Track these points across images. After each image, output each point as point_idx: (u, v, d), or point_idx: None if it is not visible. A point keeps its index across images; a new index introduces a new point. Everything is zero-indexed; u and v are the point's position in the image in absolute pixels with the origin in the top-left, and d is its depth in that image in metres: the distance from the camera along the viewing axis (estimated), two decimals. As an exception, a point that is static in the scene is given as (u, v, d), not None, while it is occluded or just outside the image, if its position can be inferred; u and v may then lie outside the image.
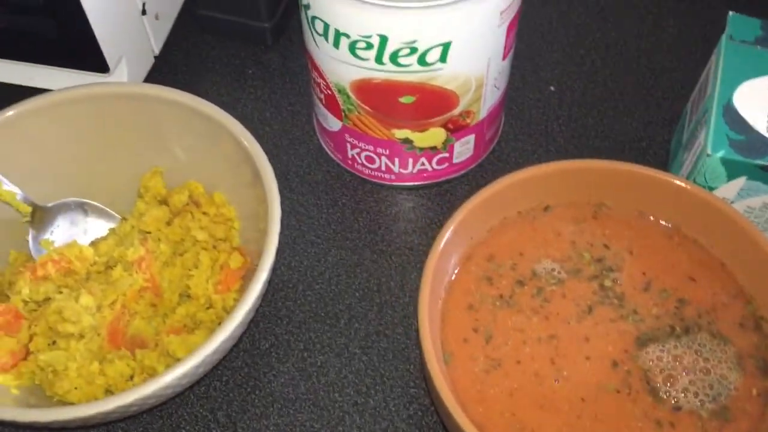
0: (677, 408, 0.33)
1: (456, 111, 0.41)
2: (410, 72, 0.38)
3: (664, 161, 0.46)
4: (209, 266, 0.38)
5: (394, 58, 0.37)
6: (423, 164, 0.44)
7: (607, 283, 0.36)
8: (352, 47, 0.37)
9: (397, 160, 0.44)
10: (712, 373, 0.33)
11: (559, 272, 0.36)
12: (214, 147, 0.39)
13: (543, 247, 0.37)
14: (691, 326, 0.35)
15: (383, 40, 0.36)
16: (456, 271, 0.37)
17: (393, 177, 0.46)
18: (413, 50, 0.36)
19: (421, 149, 0.43)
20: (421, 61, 0.37)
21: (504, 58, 0.41)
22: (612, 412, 0.33)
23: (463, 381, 0.34)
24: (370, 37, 0.36)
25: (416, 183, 0.46)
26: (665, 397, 0.33)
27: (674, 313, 0.35)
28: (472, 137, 0.44)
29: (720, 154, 0.35)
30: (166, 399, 0.35)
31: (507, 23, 0.38)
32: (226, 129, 0.38)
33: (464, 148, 0.44)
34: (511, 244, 0.37)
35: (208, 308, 0.38)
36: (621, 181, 0.37)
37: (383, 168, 0.45)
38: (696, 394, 0.33)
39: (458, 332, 0.35)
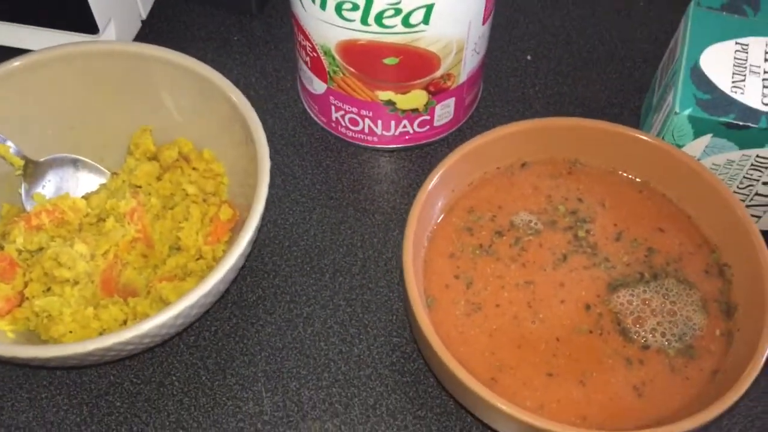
0: (646, 347, 0.35)
1: (437, 73, 0.43)
2: (394, 33, 0.39)
3: (636, 125, 0.48)
4: (199, 219, 0.40)
5: (379, 19, 0.38)
6: (405, 127, 0.46)
7: (581, 233, 0.38)
8: (339, 8, 0.38)
9: (380, 122, 0.46)
10: (678, 315, 0.35)
11: (535, 224, 0.38)
12: (206, 106, 0.41)
13: (520, 200, 0.39)
14: (659, 273, 0.37)
15: (369, 0, 0.37)
16: (438, 221, 0.38)
17: (376, 139, 0.47)
18: (398, 11, 0.38)
19: (404, 111, 0.45)
20: (405, 22, 0.39)
21: (484, 22, 0.42)
22: (585, 351, 0.35)
23: (445, 324, 0.36)
24: (356, -3, 0.38)
25: (398, 145, 0.47)
26: (635, 337, 0.35)
27: (643, 261, 0.37)
28: (452, 101, 0.46)
29: (687, 111, 0.38)
30: (161, 341, 0.36)
31: (488, -13, 0.40)
32: (218, 88, 0.39)
33: (445, 112, 0.46)
34: (491, 197, 0.39)
35: (198, 259, 0.40)
36: (595, 139, 0.39)
37: (366, 130, 0.47)
38: (663, 334, 0.35)
39: (440, 279, 0.37)
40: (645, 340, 0.35)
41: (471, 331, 0.35)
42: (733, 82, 0.38)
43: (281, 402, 0.40)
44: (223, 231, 0.40)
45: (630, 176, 0.39)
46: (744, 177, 0.40)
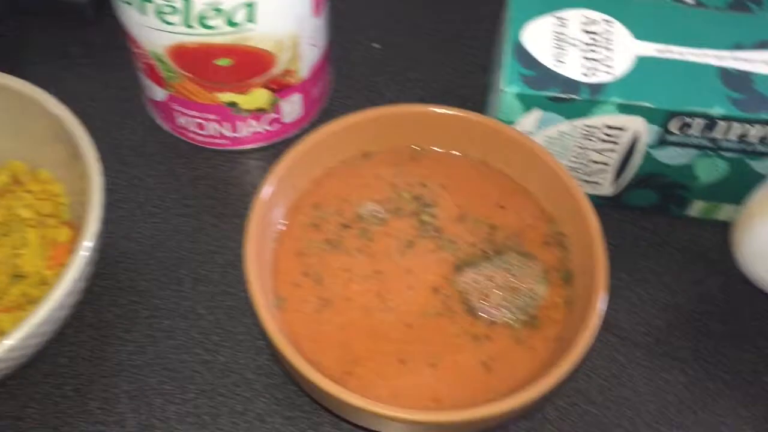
0: (492, 322, 0.36)
1: (275, 71, 0.42)
2: (221, 34, 0.39)
3: (480, 105, 0.50)
4: (38, 243, 0.38)
5: (201, 20, 0.38)
6: (254, 126, 0.46)
7: (426, 218, 0.39)
8: (159, 12, 0.38)
9: (227, 125, 0.45)
10: (521, 288, 0.37)
11: (381, 213, 0.39)
12: (32, 125, 0.39)
13: (365, 191, 0.39)
14: (502, 248, 0.38)
15: (187, 2, 0.37)
16: (284, 222, 0.38)
17: (227, 142, 0.46)
18: (219, 11, 0.37)
19: (248, 111, 0.44)
20: (230, 22, 0.38)
21: (316, 14, 0.42)
22: (435, 334, 0.35)
23: (296, 323, 0.36)
24: (173, 1, 0.37)
25: (251, 146, 0.47)
26: (481, 314, 0.36)
27: (486, 239, 0.38)
28: (298, 96, 0.45)
29: (513, 89, 0.39)
30: (5, 375, 0.35)
31: (312, -19, 0.40)
32: (39, 105, 0.38)
33: (292, 108, 0.46)
34: (335, 191, 0.39)
35: (42, 285, 0.38)
36: (433, 123, 0.40)
37: (215, 134, 0.46)
38: (508, 308, 0.36)
39: (289, 278, 0.37)
40: (491, 316, 0.36)
41: (323, 327, 0.35)
42: (554, 56, 0.39)
43: (146, 421, 0.39)
44: (64, 253, 0.38)
45: (470, 157, 0.40)
46: (578, 147, 0.41)
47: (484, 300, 0.36)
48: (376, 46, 0.53)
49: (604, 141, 0.40)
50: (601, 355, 0.42)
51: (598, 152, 0.41)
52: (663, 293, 0.44)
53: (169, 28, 0.38)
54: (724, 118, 0.38)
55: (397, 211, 0.39)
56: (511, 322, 0.36)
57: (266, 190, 0.36)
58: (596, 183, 0.44)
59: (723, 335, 0.42)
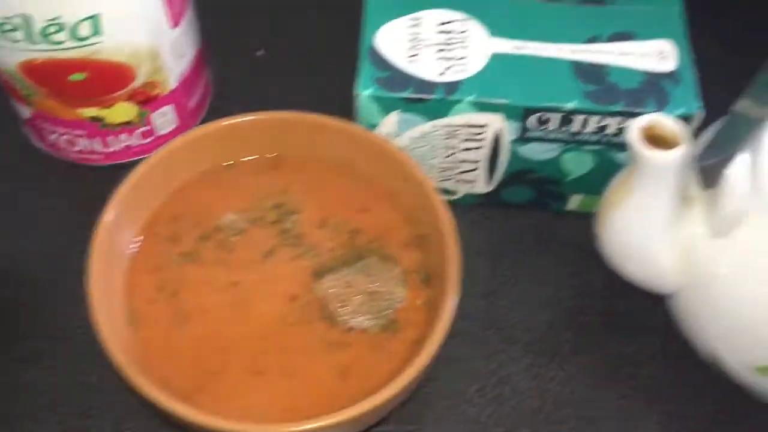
0: (350, 328, 0.36)
1: (136, 83, 0.42)
2: (68, 48, 0.38)
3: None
4: None
5: (45, 36, 0.37)
6: (126, 140, 0.45)
7: (287, 225, 0.38)
8: (1, 29, 0.37)
9: (97, 140, 0.44)
10: (380, 292, 0.36)
11: (240, 223, 0.38)
12: None
13: (225, 201, 0.39)
14: (363, 253, 0.37)
15: (26, 19, 0.36)
16: (139, 239, 0.37)
17: (101, 157, 0.46)
18: (61, 26, 0.37)
19: (116, 125, 0.44)
20: (74, 36, 0.37)
21: (175, 26, 0.41)
22: (293, 343, 0.35)
23: (151, 340, 0.35)
24: (11, 17, 0.36)
25: (127, 160, 0.46)
26: (339, 320, 0.36)
27: (347, 243, 0.38)
28: (170, 107, 0.45)
29: (368, 92, 0.38)
30: None
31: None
32: None
33: (164, 120, 0.45)
34: (194, 203, 0.39)
35: None
36: (297, 131, 0.40)
37: (87, 149, 0.45)
38: (366, 313, 0.36)
39: (145, 294, 0.36)
40: (349, 322, 0.36)
41: (177, 343, 0.35)
42: (408, 57, 0.39)
43: (12, 446, 0.38)
44: None
45: (334, 162, 0.40)
46: (445, 147, 0.41)
47: (342, 306, 0.36)
48: (261, 52, 0.52)
49: (467, 140, 0.40)
50: (482, 354, 0.41)
51: (465, 151, 0.41)
52: (544, 289, 0.43)
53: (15, 45, 0.37)
54: (579, 112, 0.38)
55: (257, 220, 0.38)
56: (369, 327, 0.36)
57: (108, 215, 0.35)
58: (471, 182, 0.43)
59: (604, 329, 0.42)
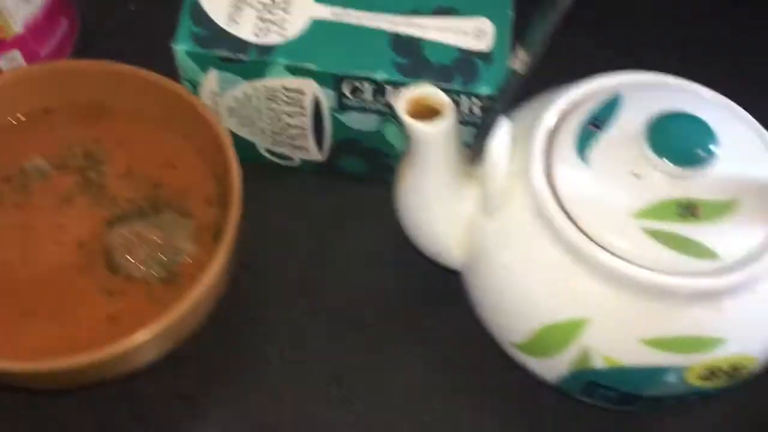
0: (131, 277, 0.36)
1: (-25, 24, 0.42)
2: None
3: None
4: None
5: None
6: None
7: (92, 174, 0.39)
8: None
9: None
10: (168, 245, 0.37)
11: (46, 168, 0.39)
12: None
13: (36, 145, 0.39)
14: (161, 207, 0.38)
15: None
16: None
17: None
18: None
19: (-42, 67, 0.44)
20: None
21: (12, -30, 0.42)
22: (70, 289, 0.36)
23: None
24: None
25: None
26: (122, 270, 0.36)
27: (147, 197, 0.38)
28: (16, 53, 0.45)
29: (182, 47, 0.38)
30: None
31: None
32: None
33: (12, 65, 0.45)
34: (5, 144, 0.39)
35: None
36: (116, 81, 0.40)
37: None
38: (149, 266, 0.36)
39: (-64, 230, 0.36)
40: (129, 272, 0.36)
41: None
42: (229, 16, 0.39)
43: None
44: None
45: (152, 117, 0.40)
46: (268, 110, 0.41)
47: (128, 256, 0.36)
48: (132, 8, 0.52)
49: (288, 104, 0.40)
50: (287, 318, 0.41)
51: (289, 115, 0.41)
52: (363, 257, 0.43)
53: None
54: (389, 83, 0.38)
55: (63, 167, 0.39)
56: (150, 277, 0.36)
57: None
58: (303, 148, 0.44)
59: (412, 302, 0.42)
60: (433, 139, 0.32)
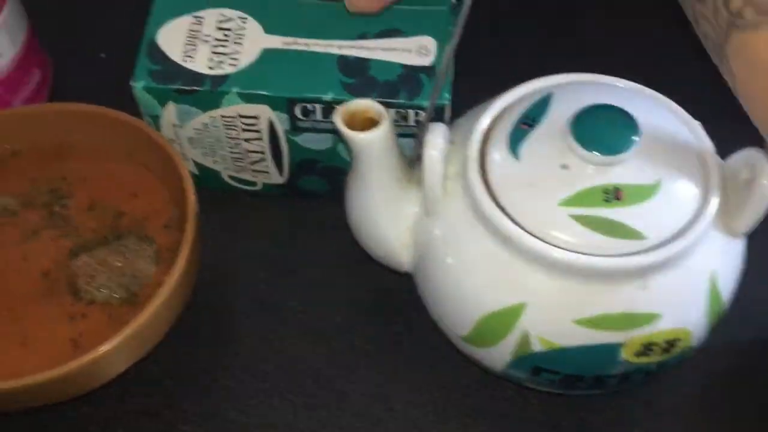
0: (92, 302, 0.37)
1: (-58, 77, 0.44)
2: None
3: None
4: None
5: None
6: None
7: (57, 209, 0.40)
8: None
9: None
10: (130, 269, 0.38)
11: (14, 206, 0.40)
12: None
13: (5, 186, 0.41)
14: (123, 233, 0.39)
15: None
16: None
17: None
18: None
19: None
20: None
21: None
22: (33, 315, 0.37)
23: None
24: None
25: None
26: (84, 294, 0.37)
27: (110, 225, 0.40)
28: (-11, 103, 0.47)
29: (140, 84, 0.40)
30: None
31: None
32: None
33: (-12, 115, 0.48)
34: (-25, 187, 0.41)
35: None
36: (79, 120, 0.42)
37: None
38: (110, 288, 0.37)
39: None
40: (92, 296, 0.37)
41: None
42: (184, 52, 0.41)
43: None
44: None
45: (113, 151, 0.42)
46: (227, 137, 0.43)
47: (89, 281, 0.38)
48: (103, 55, 0.55)
49: (245, 130, 0.42)
50: (255, 333, 0.42)
51: (247, 141, 0.43)
52: (326, 272, 0.44)
53: None
54: (338, 102, 0.40)
55: (30, 203, 0.40)
56: (111, 299, 0.37)
57: None
58: (265, 172, 0.45)
59: (374, 309, 0.43)
60: (371, 145, 0.33)
